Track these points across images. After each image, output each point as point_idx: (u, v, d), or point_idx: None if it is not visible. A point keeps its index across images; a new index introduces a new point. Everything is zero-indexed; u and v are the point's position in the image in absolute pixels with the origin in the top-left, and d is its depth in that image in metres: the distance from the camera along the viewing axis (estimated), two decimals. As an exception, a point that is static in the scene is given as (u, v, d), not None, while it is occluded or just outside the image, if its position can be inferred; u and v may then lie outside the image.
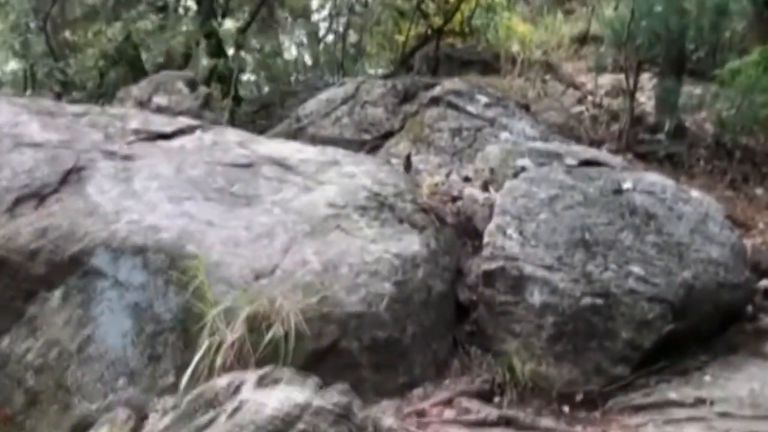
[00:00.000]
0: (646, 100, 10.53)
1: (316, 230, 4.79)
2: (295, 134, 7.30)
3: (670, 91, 9.23)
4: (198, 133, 6.14)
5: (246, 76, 14.13)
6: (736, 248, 5.33)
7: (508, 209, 5.16)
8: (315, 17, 15.46)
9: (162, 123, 6.20)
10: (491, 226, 5.02)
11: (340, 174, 5.42)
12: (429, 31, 12.74)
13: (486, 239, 4.96)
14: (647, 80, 10.70)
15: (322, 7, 15.15)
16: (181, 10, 9.65)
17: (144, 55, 8.50)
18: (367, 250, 4.67)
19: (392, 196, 5.21)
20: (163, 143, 5.79)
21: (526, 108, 7.95)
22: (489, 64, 12.82)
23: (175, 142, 5.81)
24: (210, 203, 4.88)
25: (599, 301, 4.70)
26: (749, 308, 5.43)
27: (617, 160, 6.06)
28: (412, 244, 4.84)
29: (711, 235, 5.30)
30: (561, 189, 5.35)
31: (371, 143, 7.27)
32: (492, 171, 5.84)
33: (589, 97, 12.05)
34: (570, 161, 5.89)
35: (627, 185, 5.55)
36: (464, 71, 12.44)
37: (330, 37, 15.32)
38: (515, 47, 12.82)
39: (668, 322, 4.74)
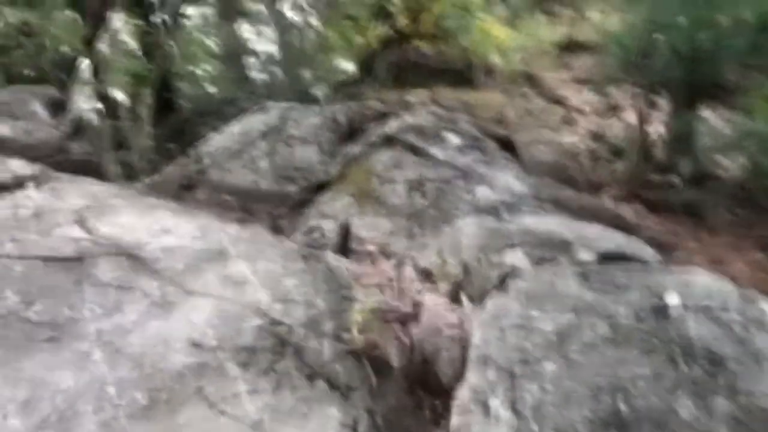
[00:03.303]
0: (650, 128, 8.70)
1: (157, 402, 2.72)
2: (190, 181, 5.18)
3: (688, 126, 7.32)
4: (28, 189, 4.08)
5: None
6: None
7: (492, 354, 3.13)
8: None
9: (-27, 172, 4.13)
10: (464, 393, 2.97)
11: (223, 278, 3.36)
12: (394, 33, 10.92)
13: (455, 419, 2.91)
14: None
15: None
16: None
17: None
18: (241, 450, 2.62)
19: (301, 326, 3.15)
20: (-48, 212, 3.70)
21: (509, 147, 5.93)
22: (461, 74, 11.24)
23: (-27, 211, 3.73)
24: (-27, 348, 2.79)
25: None
26: None
27: (649, 251, 4.05)
28: (327, 428, 2.79)
29: (807, 389, 3.34)
30: (576, 312, 3.34)
31: (297, 197, 5.17)
32: (466, 268, 3.81)
33: (574, 115, 10.42)
34: (584, 255, 3.88)
35: (672, 300, 3.56)
36: (433, 82, 10.84)
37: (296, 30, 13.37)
38: (492, 56, 11.18)
39: None
